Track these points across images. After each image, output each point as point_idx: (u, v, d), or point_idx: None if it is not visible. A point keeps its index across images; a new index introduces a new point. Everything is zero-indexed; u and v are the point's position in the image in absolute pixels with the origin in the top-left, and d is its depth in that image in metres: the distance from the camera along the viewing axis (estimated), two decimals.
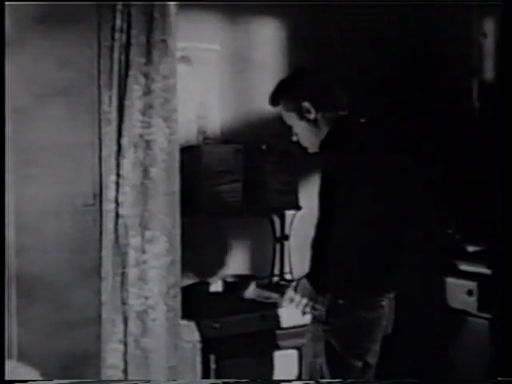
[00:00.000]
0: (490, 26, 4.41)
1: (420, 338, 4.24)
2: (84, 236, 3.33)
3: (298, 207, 4.16)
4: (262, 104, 4.17)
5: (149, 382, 3.17)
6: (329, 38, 4.27)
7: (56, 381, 2.89)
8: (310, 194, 4.24)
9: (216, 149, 3.86)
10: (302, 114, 2.95)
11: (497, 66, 4.45)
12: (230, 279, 3.94)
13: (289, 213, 4.21)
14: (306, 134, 2.99)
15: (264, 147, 4.10)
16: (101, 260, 3.25)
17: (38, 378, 2.87)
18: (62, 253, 3.26)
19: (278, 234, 4.20)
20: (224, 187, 3.82)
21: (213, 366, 3.50)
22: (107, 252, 3.23)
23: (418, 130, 4.37)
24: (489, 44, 4.42)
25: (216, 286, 3.90)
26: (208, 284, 3.89)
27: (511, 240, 2.89)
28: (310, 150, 3.04)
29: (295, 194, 4.16)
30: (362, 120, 3.20)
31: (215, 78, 3.98)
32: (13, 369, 2.96)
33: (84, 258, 3.28)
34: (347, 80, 4.17)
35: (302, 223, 4.18)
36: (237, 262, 4.06)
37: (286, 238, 4.21)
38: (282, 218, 4.23)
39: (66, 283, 3.30)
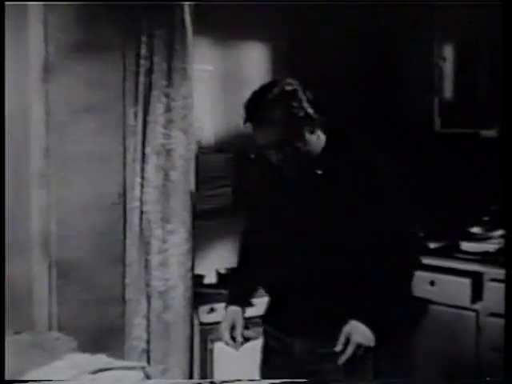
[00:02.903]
0: (448, 51, 4.84)
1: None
2: (111, 229, 3.85)
3: None
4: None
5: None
6: (308, 57, 4.78)
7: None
8: None
9: (210, 157, 4.29)
10: None
11: (455, 86, 4.94)
12: (222, 271, 4.45)
13: None
14: None
15: (252, 156, 4.54)
16: (124, 249, 3.80)
17: (76, 350, 3.37)
18: (92, 243, 3.78)
19: None
20: (217, 191, 4.37)
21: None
22: (133, 242, 3.76)
23: (382, 139, 4.61)
24: (447, 67, 4.83)
25: (210, 278, 4.41)
26: (202, 277, 4.38)
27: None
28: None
29: None
30: None
31: (209, 95, 4.36)
32: (54, 339, 3.51)
33: (110, 248, 3.82)
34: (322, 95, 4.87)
35: None
36: (227, 257, 4.50)
37: None
38: None
39: (96, 268, 3.83)
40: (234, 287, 2.97)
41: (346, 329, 2.64)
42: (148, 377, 2.95)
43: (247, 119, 2.71)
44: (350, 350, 2.63)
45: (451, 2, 4.61)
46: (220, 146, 4.50)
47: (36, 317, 3.84)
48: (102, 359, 3.08)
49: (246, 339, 2.79)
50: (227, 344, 2.80)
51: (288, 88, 2.71)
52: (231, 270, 4.42)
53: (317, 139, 2.74)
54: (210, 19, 4.10)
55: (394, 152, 4.54)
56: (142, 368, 2.98)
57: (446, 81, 4.87)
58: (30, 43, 3.71)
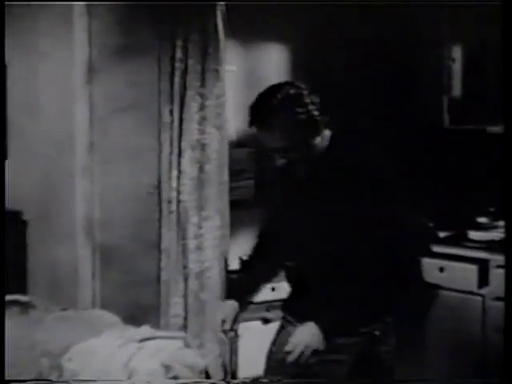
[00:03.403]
0: (457, 52, 5.05)
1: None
2: (148, 217, 4.22)
3: None
4: None
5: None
6: (322, 57, 5.14)
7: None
8: None
9: (233, 152, 4.51)
10: None
11: (463, 85, 5.19)
12: (245, 258, 4.52)
13: None
14: None
15: None
16: (160, 235, 4.15)
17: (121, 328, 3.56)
18: (132, 229, 4.17)
19: None
20: (240, 183, 4.70)
21: None
22: (171, 228, 4.11)
23: (395, 136, 5.08)
24: (456, 67, 5.05)
25: (234, 265, 4.68)
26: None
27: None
28: None
29: None
30: None
31: (232, 94, 4.56)
32: (98, 316, 3.83)
33: (148, 234, 4.18)
34: (335, 93, 4.72)
35: None
36: (250, 244, 5.05)
37: None
38: None
39: (135, 252, 4.20)
40: (240, 283, 3.12)
41: (298, 330, 2.72)
42: (188, 345, 3.33)
43: (252, 122, 2.73)
44: (297, 351, 2.67)
45: (455, 3, 4.89)
46: (242, 142, 4.75)
47: (80, 296, 4.21)
48: (146, 330, 3.47)
49: (236, 335, 2.94)
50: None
51: (292, 92, 2.72)
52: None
53: (322, 140, 2.77)
54: (235, 23, 4.42)
55: (407, 147, 5.08)
56: (183, 338, 3.36)
57: (455, 80, 5.07)
58: (76, 48, 4.11)
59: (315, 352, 2.68)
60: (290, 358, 2.68)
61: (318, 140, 2.74)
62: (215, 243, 4.17)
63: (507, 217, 2.98)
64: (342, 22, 4.88)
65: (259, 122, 2.71)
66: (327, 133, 2.79)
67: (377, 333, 2.90)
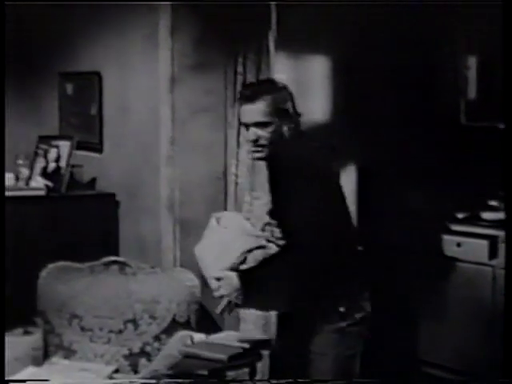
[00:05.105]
0: (472, 61, 5.81)
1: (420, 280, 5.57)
2: (215, 197, 4.95)
3: None
4: (312, 115, 5.98)
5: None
6: (359, 65, 5.86)
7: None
8: (346, 174, 5.85)
9: None
10: None
11: (478, 89, 5.83)
12: None
13: None
14: None
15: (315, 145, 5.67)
16: (226, 210, 5.05)
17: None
18: (204, 206, 4.84)
19: None
20: None
21: None
22: (230, 204, 4.87)
23: (419, 131, 5.83)
24: (471, 73, 5.83)
25: None
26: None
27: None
28: None
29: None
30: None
31: None
32: (179, 272, 4.84)
33: (216, 210, 4.78)
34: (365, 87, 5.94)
35: None
36: None
37: None
38: None
39: (206, 225, 4.59)
40: None
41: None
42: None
43: (241, 98, 3.36)
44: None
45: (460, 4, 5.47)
46: None
47: (163, 260, 5.13)
48: None
49: None
50: None
51: (280, 85, 3.39)
52: None
53: (288, 131, 3.37)
54: (285, 39, 5.24)
55: (429, 142, 5.96)
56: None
57: (470, 85, 5.82)
58: (160, 64, 4.84)
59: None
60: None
61: (284, 129, 3.30)
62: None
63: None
64: (376, 37, 5.64)
65: (250, 93, 3.28)
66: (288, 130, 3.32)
67: (342, 309, 3.39)
